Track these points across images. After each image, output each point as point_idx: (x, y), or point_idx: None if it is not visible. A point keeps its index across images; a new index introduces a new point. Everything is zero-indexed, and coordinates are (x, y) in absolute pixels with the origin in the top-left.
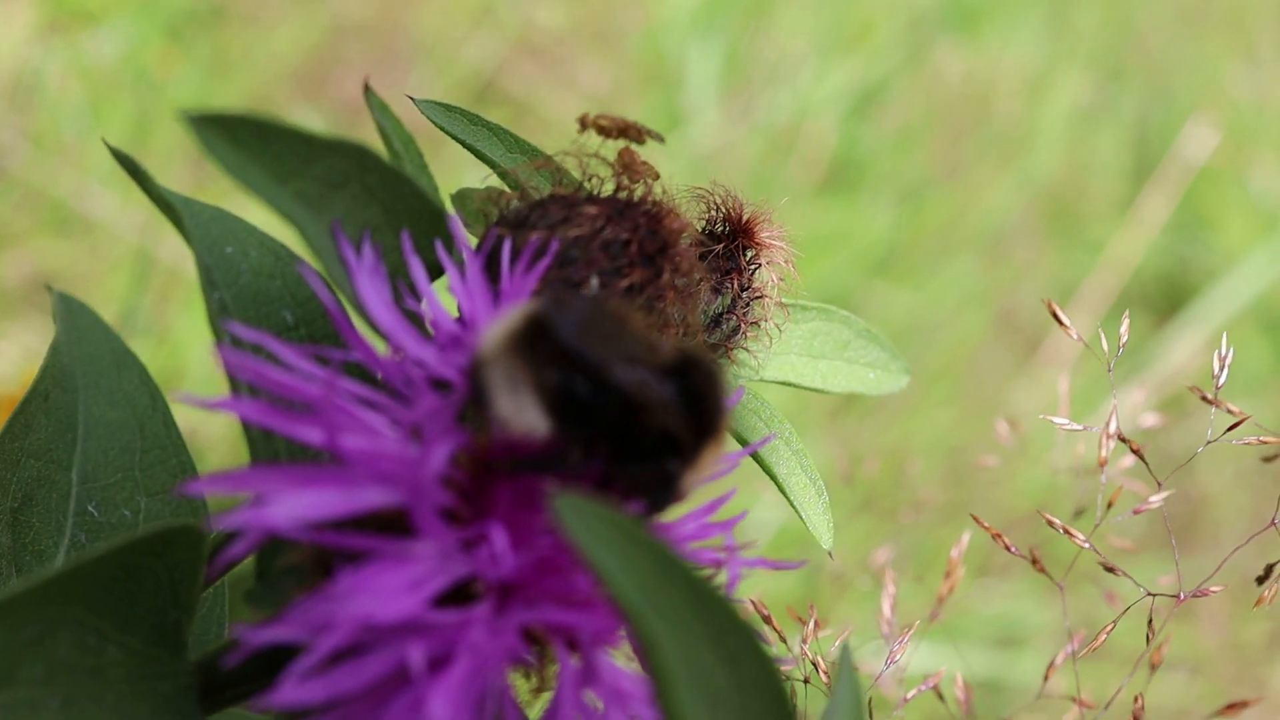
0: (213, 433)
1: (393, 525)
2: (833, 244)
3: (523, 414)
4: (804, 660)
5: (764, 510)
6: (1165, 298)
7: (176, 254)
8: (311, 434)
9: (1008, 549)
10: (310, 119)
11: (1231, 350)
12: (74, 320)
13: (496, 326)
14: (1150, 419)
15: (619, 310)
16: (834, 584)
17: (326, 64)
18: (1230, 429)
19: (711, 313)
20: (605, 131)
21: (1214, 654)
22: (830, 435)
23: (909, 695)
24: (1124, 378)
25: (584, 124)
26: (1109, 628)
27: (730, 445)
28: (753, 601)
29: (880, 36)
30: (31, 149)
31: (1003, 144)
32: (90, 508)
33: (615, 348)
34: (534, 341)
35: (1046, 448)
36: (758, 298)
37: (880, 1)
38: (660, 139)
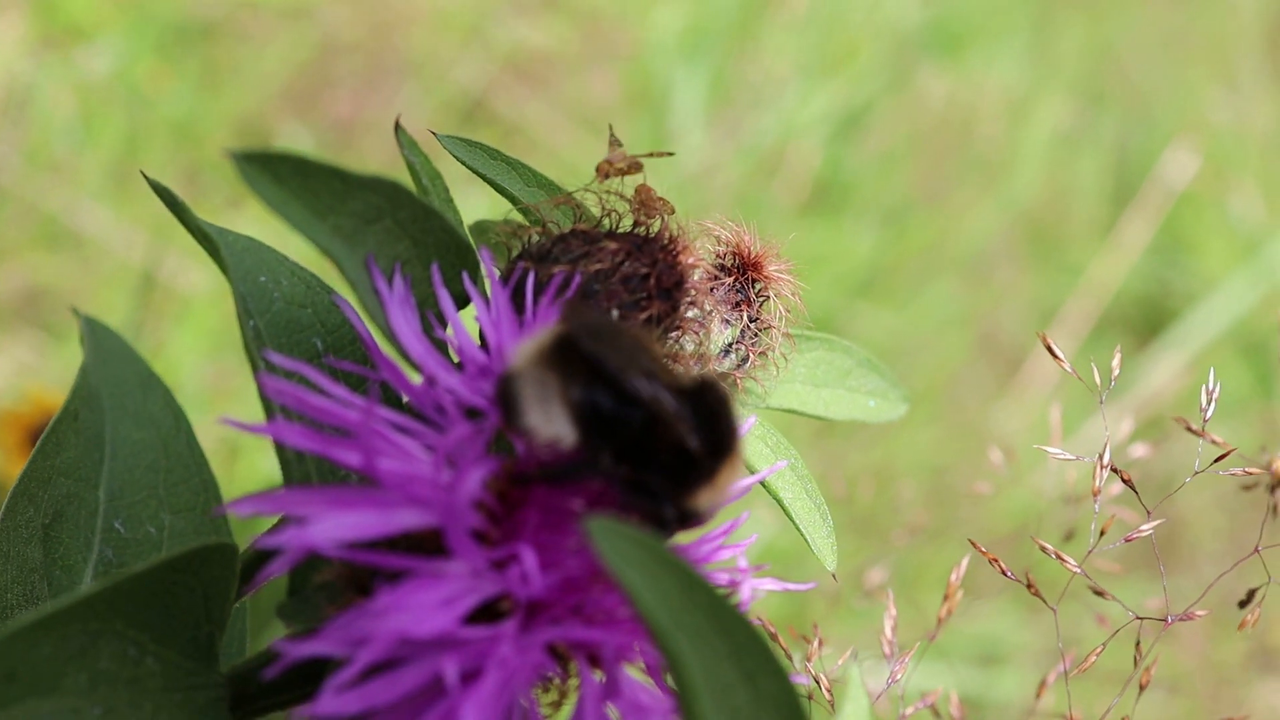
0: (204, 443)
1: (423, 545)
2: (816, 265)
3: (552, 424)
4: (808, 676)
5: (751, 525)
6: (1145, 321)
7: (170, 270)
8: (350, 457)
9: (1004, 573)
10: (300, 136)
11: (1219, 385)
12: (100, 343)
13: (528, 343)
14: (1139, 450)
15: (638, 334)
16: (824, 599)
17: (317, 82)
18: (1217, 460)
19: (721, 343)
20: (622, 173)
21: (1192, 673)
22: (816, 452)
23: (907, 712)
24: (1106, 399)
25: (602, 173)
26: (1098, 650)
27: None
28: (760, 619)
29: (864, 60)
30: (23, 163)
31: (985, 167)
32: (117, 524)
33: (633, 362)
34: (563, 356)
35: (1029, 468)
36: (765, 329)
37: (864, 25)
38: (669, 154)
